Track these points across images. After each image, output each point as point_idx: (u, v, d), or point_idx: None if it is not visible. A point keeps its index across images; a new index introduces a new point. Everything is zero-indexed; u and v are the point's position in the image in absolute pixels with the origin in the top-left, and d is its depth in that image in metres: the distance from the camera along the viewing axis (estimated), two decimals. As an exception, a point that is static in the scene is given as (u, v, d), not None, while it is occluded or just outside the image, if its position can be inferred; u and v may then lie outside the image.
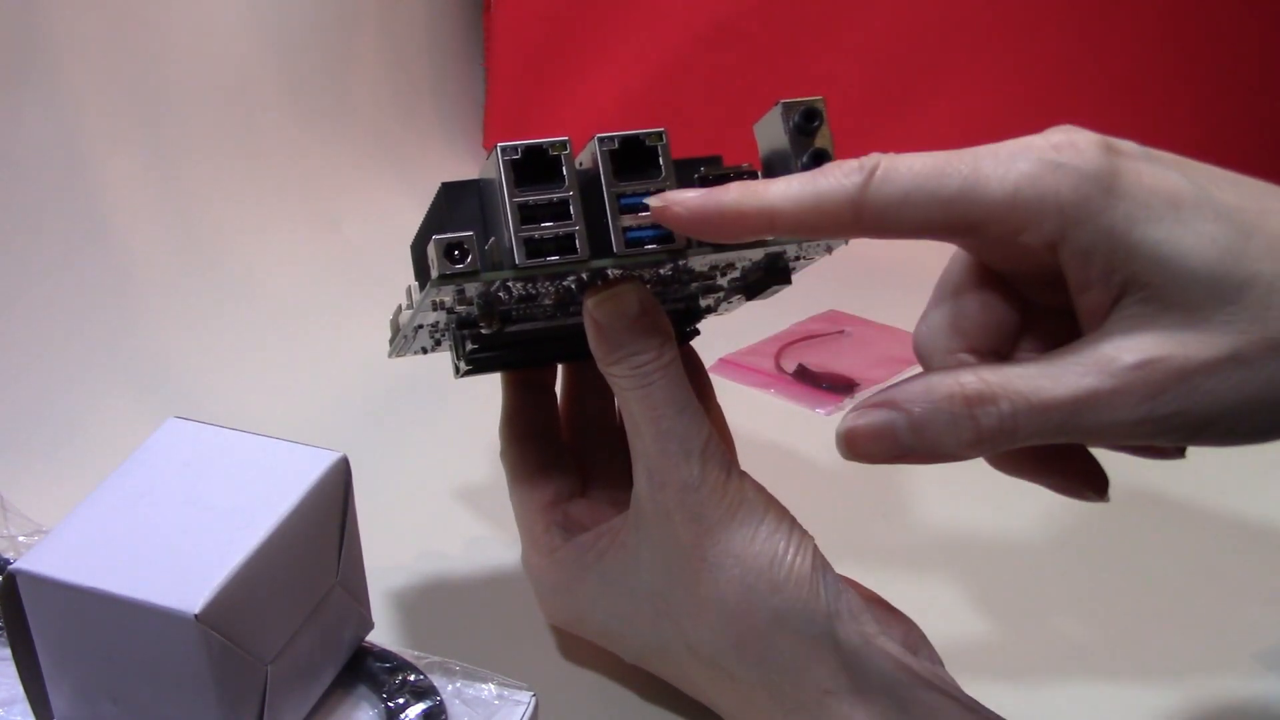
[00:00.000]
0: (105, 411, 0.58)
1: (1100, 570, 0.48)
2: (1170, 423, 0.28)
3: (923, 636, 0.37)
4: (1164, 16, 0.82)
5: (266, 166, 0.80)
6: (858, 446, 0.30)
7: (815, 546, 0.34)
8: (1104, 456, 0.33)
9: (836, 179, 0.29)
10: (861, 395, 0.63)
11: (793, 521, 0.34)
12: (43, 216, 0.62)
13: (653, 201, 0.31)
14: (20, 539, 0.43)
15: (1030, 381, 0.28)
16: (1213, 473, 0.52)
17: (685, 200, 0.31)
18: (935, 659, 0.36)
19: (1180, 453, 0.31)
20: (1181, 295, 0.27)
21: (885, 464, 0.30)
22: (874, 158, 0.29)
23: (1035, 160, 0.28)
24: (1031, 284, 0.32)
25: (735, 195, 0.30)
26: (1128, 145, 0.29)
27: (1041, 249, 0.29)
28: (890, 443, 0.30)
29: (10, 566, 0.31)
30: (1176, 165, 0.29)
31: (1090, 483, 0.33)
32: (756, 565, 0.33)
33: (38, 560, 0.31)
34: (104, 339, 0.62)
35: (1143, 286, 0.28)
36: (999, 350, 0.33)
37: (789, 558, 0.33)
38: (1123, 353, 0.28)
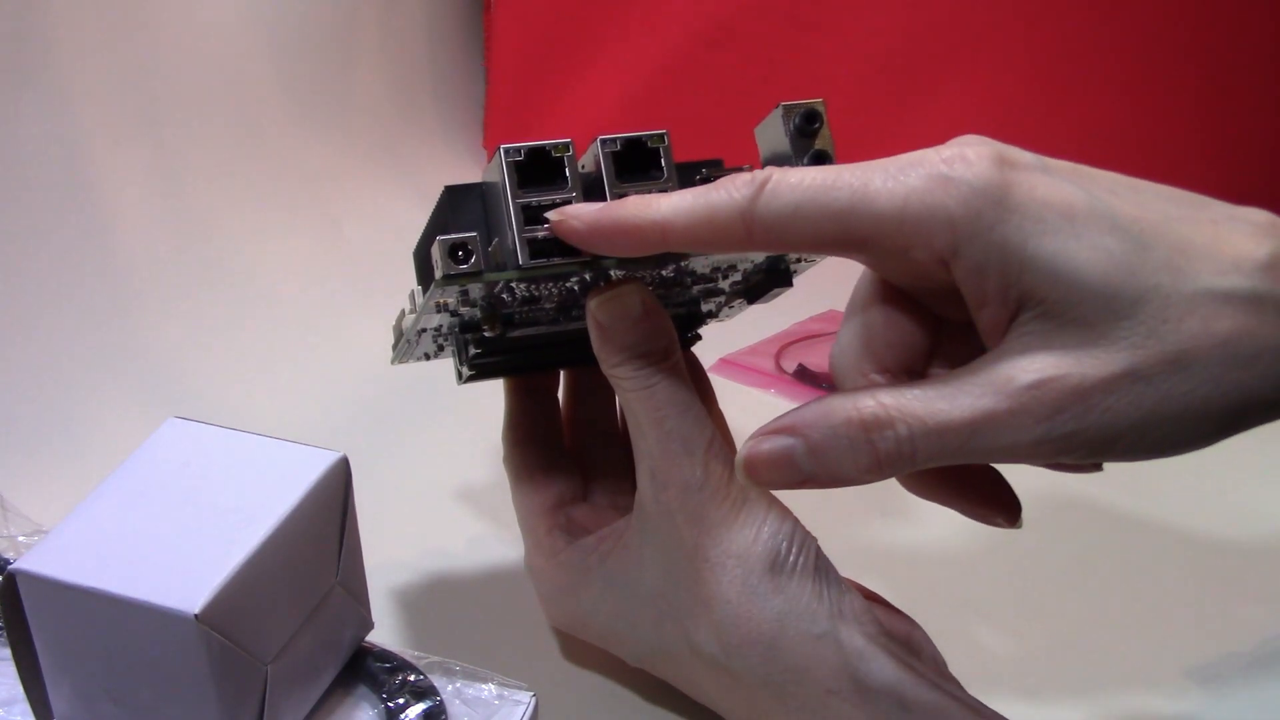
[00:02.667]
0: (105, 411, 0.58)
1: (1102, 570, 0.48)
2: (1070, 441, 0.27)
3: (925, 637, 0.37)
4: (1164, 14, 0.82)
5: (266, 166, 0.80)
6: (757, 473, 0.30)
7: (818, 547, 0.34)
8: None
9: (728, 192, 0.29)
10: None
11: (795, 522, 0.34)
12: (43, 217, 0.62)
13: (551, 215, 0.31)
14: (20, 539, 0.43)
15: (927, 404, 0.28)
16: (1215, 470, 0.52)
17: (581, 214, 0.31)
18: (938, 660, 0.37)
19: (1096, 466, 0.31)
20: (1077, 311, 0.27)
21: (785, 489, 0.30)
22: (767, 171, 0.29)
23: (925, 175, 0.28)
24: (937, 299, 0.32)
25: (630, 210, 0.30)
26: (1023, 157, 0.29)
27: (933, 264, 0.28)
28: (789, 469, 0.29)
29: (10, 566, 0.31)
30: (1073, 175, 0.29)
31: (1000, 509, 0.33)
32: (759, 565, 0.33)
33: (38, 560, 0.31)
34: (104, 339, 0.62)
35: (1039, 302, 0.27)
36: (912, 368, 0.33)
37: (791, 558, 0.33)
38: (1019, 372, 0.27)
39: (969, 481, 0.33)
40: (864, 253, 0.30)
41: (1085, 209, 0.27)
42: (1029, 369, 0.27)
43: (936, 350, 0.33)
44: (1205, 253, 0.27)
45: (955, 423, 0.28)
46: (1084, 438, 0.27)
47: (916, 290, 0.32)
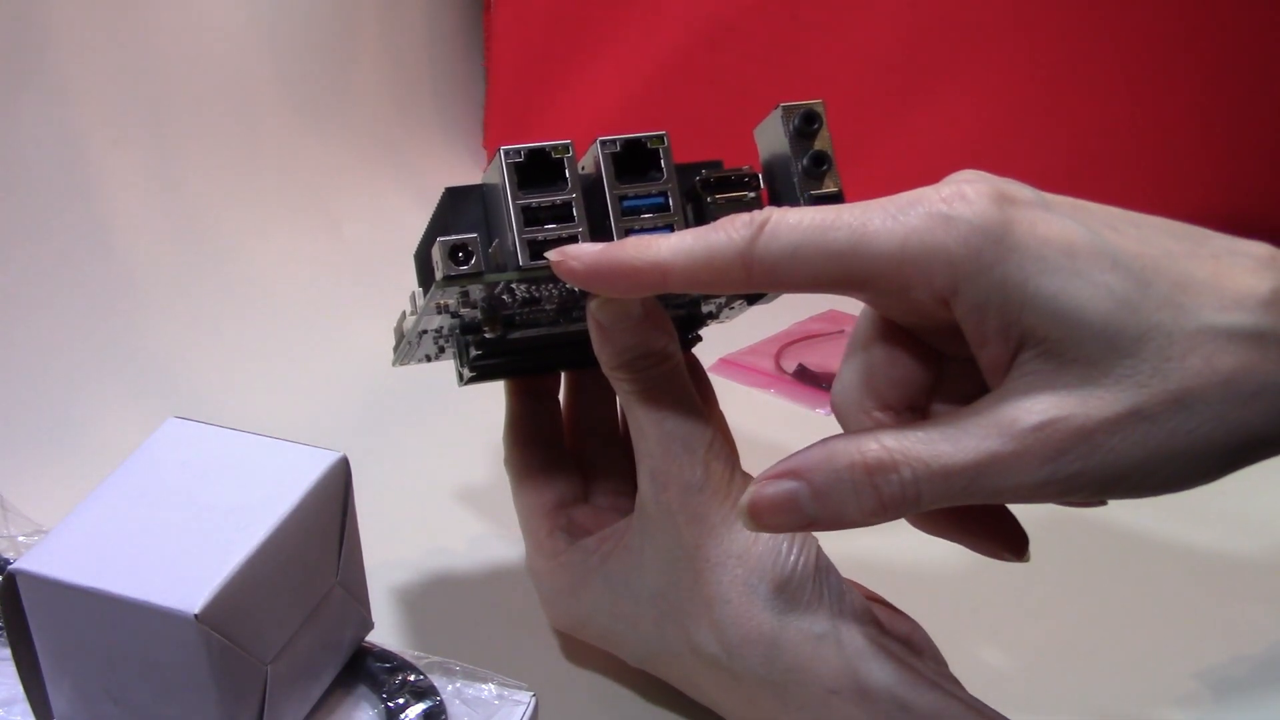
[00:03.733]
0: (105, 411, 0.58)
1: (1103, 571, 0.48)
2: (1075, 482, 0.27)
3: (926, 637, 0.37)
4: (1164, 16, 0.82)
5: (266, 166, 0.80)
6: (761, 517, 0.30)
7: (818, 547, 0.34)
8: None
9: (727, 234, 0.29)
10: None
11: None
12: (43, 217, 0.62)
13: (551, 255, 0.31)
14: (20, 539, 0.43)
15: (931, 446, 0.28)
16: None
17: (581, 255, 0.31)
18: (939, 660, 0.37)
19: (1100, 502, 0.31)
20: (1079, 350, 0.27)
21: (790, 533, 0.30)
22: (766, 212, 0.29)
23: (924, 213, 0.27)
24: (937, 336, 0.32)
25: (630, 252, 0.30)
26: (1023, 193, 0.28)
27: (934, 303, 0.28)
28: (794, 514, 0.29)
29: (10, 566, 0.31)
30: (1073, 212, 0.28)
31: (1007, 543, 0.33)
32: (760, 566, 0.33)
33: (38, 560, 0.31)
34: (104, 339, 0.62)
35: (1040, 341, 0.27)
36: (914, 404, 0.32)
37: (792, 558, 0.33)
38: (1023, 414, 0.27)
39: (974, 517, 0.33)
40: (864, 292, 0.30)
41: (1086, 246, 0.27)
42: (1033, 410, 0.27)
43: (938, 386, 0.33)
44: (1207, 288, 0.27)
45: (960, 465, 0.27)
46: (1089, 477, 0.27)
47: (917, 327, 0.32)
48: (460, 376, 0.41)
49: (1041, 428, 0.27)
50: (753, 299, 0.40)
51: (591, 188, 0.33)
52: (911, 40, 0.86)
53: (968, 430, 0.28)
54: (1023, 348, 0.28)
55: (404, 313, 0.38)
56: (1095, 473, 0.27)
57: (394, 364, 0.42)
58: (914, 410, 0.32)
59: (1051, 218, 0.28)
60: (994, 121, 0.87)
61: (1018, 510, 0.33)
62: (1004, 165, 0.92)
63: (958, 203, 0.27)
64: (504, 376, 0.42)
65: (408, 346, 0.39)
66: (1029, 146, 0.86)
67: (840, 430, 0.33)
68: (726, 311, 0.42)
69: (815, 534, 0.35)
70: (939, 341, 0.32)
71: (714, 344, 0.51)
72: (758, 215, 0.29)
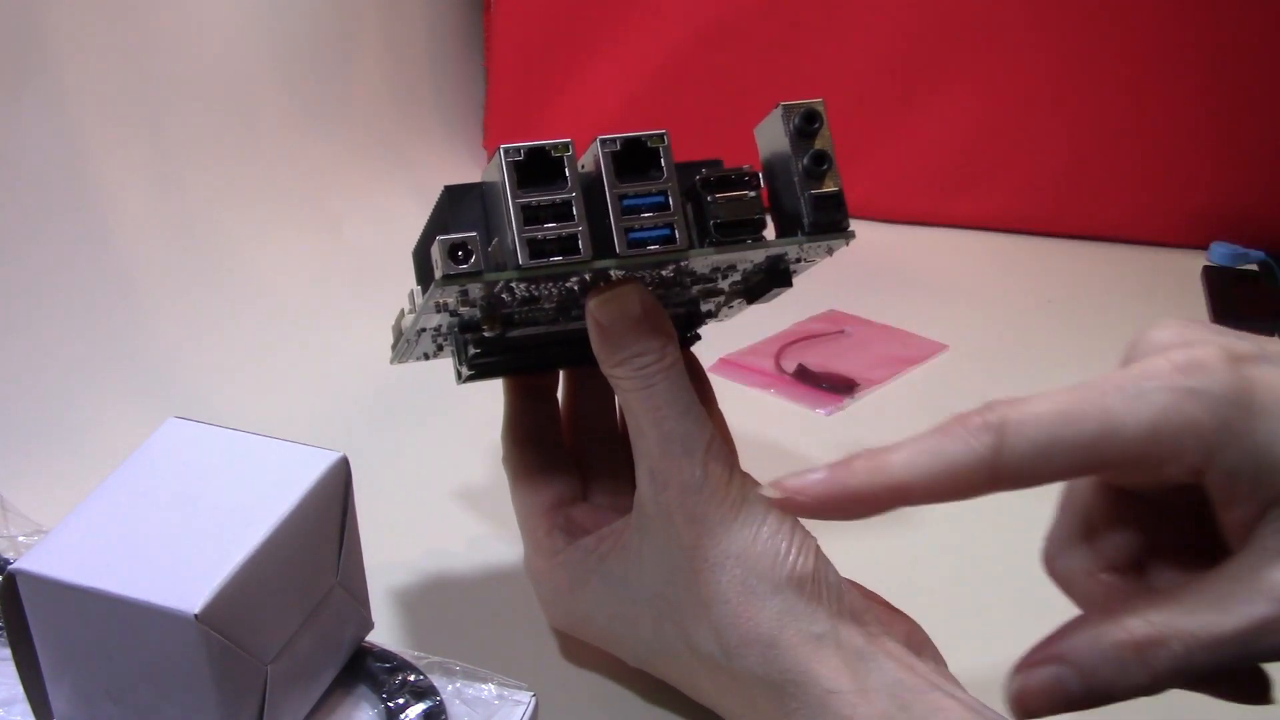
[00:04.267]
0: (105, 411, 0.58)
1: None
2: None
3: (925, 637, 0.37)
4: (1165, 14, 0.82)
5: (266, 166, 0.80)
6: (1030, 706, 0.30)
7: (817, 547, 0.34)
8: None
9: (965, 443, 0.28)
10: (862, 395, 0.63)
11: (795, 522, 0.34)
12: (43, 217, 0.62)
13: (770, 493, 0.30)
14: (20, 539, 0.43)
15: (1198, 618, 0.28)
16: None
17: (807, 489, 0.30)
18: (938, 659, 0.37)
19: None
20: None
21: (1059, 715, 0.30)
22: (998, 413, 0.28)
23: (1166, 389, 0.27)
24: (1163, 496, 0.32)
25: (862, 478, 0.29)
26: (1248, 348, 0.28)
27: (1185, 476, 0.28)
28: (1063, 698, 0.29)
29: (10, 566, 0.31)
30: None
31: (1255, 690, 0.32)
32: (759, 566, 0.33)
33: (38, 560, 0.31)
34: (104, 339, 0.62)
35: None
36: (1135, 562, 0.32)
37: (791, 558, 0.33)
38: None
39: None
40: (1110, 473, 0.30)
41: None
42: None
43: (1158, 539, 0.33)
44: None
45: (1230, 634, 0.27)
46: None
47: (1145, 491, 0.32)
48: (459, 374, 0.41)
49: None
50: (753, 298, 0.40)
51: (591, 186, 0.33)
52: (911, 40, 0.86)
53: (1234, 598, 0.28)
54: (1273, 505, 0.28)
55: (402, 311, 0.38)
56: None
57: (392, 362, 0.42)
58: (1136, 568, 0.32)
59: None
60: (994, 122, 0.87)
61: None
62: (1004, 165, 0.93)
63: (1197, 373, 0.27)
64: (502, 375, 0.42)
65: (406, 344, 0.39)
66: (1029, 146, 0.86)
67: (1058, 587, 0.33)
68: (725, 311, 0.42)
69: (814, 533, 0.35)
70: (1164, 497, 0.32)
71: (714, 344, 0.51)
72: (991, 418, 0.28)
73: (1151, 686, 0.28)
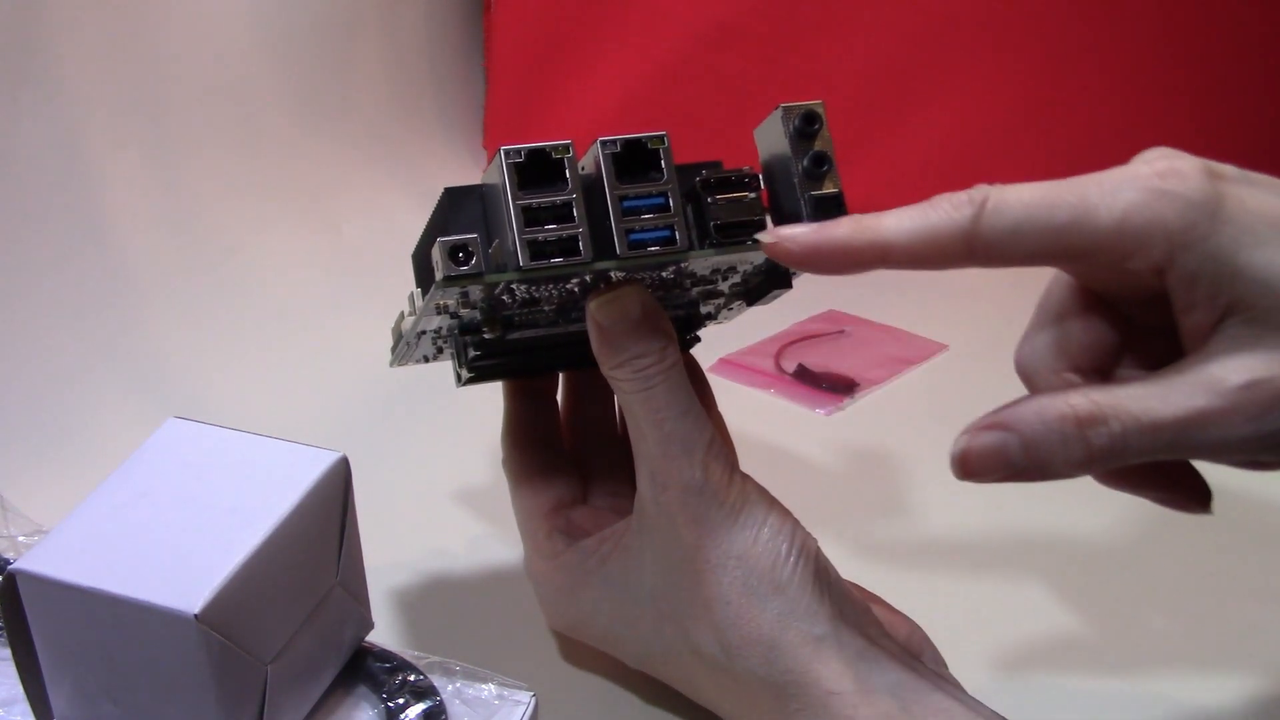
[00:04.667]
0: (105, 411, 0.58)
1: (1099, 570, 0.48)
2: (1275, 439, 0.29)
3: (925, 638, 0.37)
4: (1163, 16, 0.82)
5: (266, 166, 0.80)
6: (970, 466, 0.31)
7: (818, 548, 0.34)
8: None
9: (947, 212, 0.30)
10: (862, 395, 0.63)
11: (795, 523, 0.35)
12: (43, 216, 0.62)
13: (763, 237, 0.32)
14: (20, 539, 0.43)
15: (1140, 402, 0.29)
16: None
17: (796, 236, 0.32)
18: (938, 660, 0.37)
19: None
20: None
21: (994, 482, 0.31)
22: (982, 190, 0.30)
23: (1142, 189, 0.29)
24: (1132, 303, 0.33)
25: (847, 231, 0.31)
26: (1229, 169, 0.30)
27: (1148, 274, 0.29)
28: (1002, 462, 0.30)
29: (10, 566, 0.31)
30: (1275, 187, 0.30)
31: (1193, 496, 0.34)
32: (759, 567, 0.33)
33: (38, 560, 0.31)
34: (104, 339, 0.62)
35: (1248, 308, 0.29)
36: (1101, 368, 0.34)
37: (791, 559, 0.33)
38: (1230, 373, 0.28)
39: (1163, 472, 0.34)
40: (1079, 264, 0.32)
41: None
42: (1240, 370, 0.28)
43: (1124, 351, 0.34)
44: None
45: (1167, 420, 0.29)
46: None
47: (1114, 295, 0.33)
48: (458, 377, 0.41)
49: (1249, 387, 0.28)
50: (752, 300, 0.40)
51: (591, 188, 0.33)
52: (911, 40, 0.86)
53: (1175, 388, 0.29)
54: (1229, 314, 0.29)
55: (402, 313, 0.38)
56: None
57: (391, 364, 0.42)
58: (1101, 373, 0.34)
59: (1259, 193, 0.29)
60: (994, 121, 0.87)
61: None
62: (1004, 165, 0.93)
63: (1173, 179, 0.29)
64: (502, 377, 0.42)
65: (406, 347, 0.39)
66: (1029, 146, 0.86)
67: (1026, 390, 0.34)
68: (725, 313, 0.42)
69: (815, 535, 0.35)
70: (1131, 308, 0.33)
71: (714, 344, 0.51)
72: (975, 194, 0.30)
73: (1088, 462, 0.30)
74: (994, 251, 0.30)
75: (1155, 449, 0.29)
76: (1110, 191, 0.29)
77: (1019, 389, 0.34)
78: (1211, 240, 0.28)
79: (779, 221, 0.35)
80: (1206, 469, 0.34)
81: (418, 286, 0.37)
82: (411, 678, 0.37)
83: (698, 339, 0.43)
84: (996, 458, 0.30)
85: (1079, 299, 0.34)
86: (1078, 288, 0.34)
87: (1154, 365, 0.32)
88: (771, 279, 0.38)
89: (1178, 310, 0.30)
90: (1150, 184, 0.29)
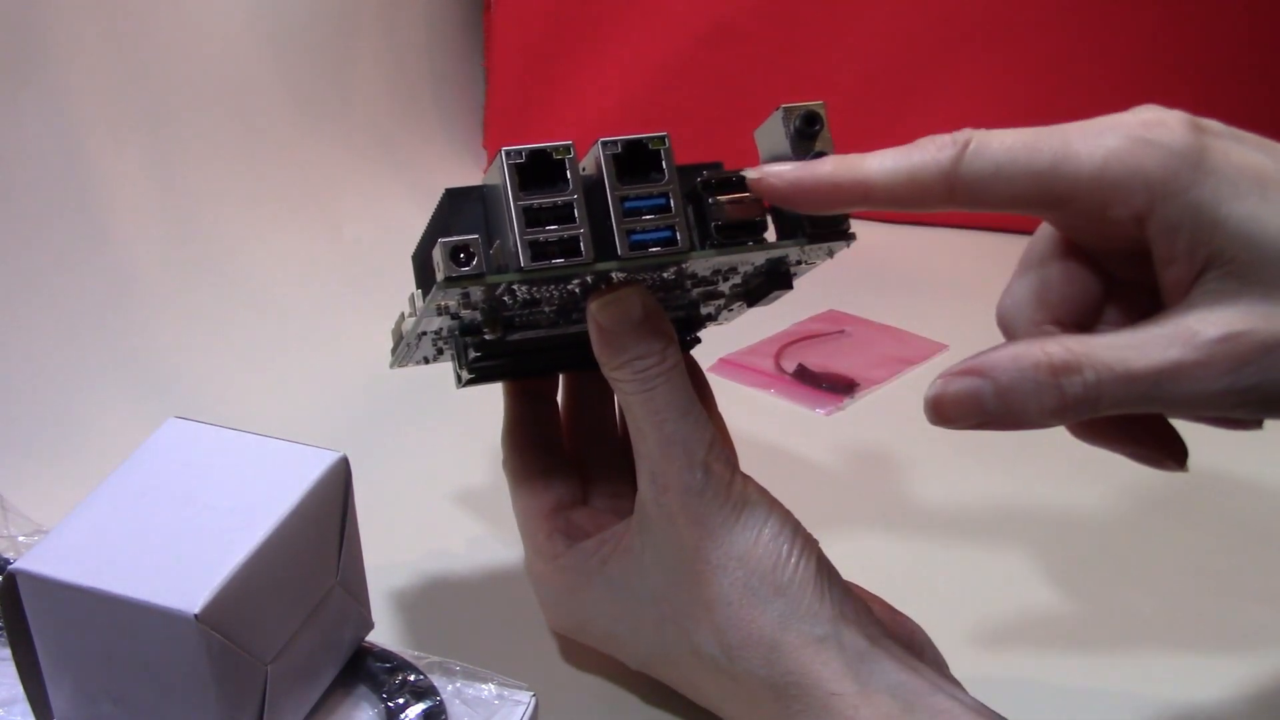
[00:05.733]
0: (105, 411, 0.58)
1: (1101, 572, 0.48)
2: (1251, 395, 0.28)
3: (926, 638, 0.37)
4: (1163, 17, 0.82)
5: (266, 166, 0.80)
6: (944, 411, 0.31)
7: (819, 549, 0.34)
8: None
9: (930, 153, 0.30)
10: (862, 395, 0.63)
11: (796, 524, 0.35)
12: (43, 217, 0.62)
13: (749, 173, 0.32)
14: (20, 539, 0.43)
15: (1115, 352, 0.29)
16: (1216, 467, 0.52)
17: (781, 172, 0.32)
18: (939, 660, 0.37)
19: (1258, 424, 0.32)
20: (1264, 271, 0.28)
21: (967, 429, 0.31)
22: (966, 133, 0.30)
23: (1124, 136, 0.29)
24: (1114, 258, 0.33)
25: (831, 167, 0.31)
26: (1214, 124, 0.30)
27: (1128, 223, 0.29)
28: (975, 408, 0.30)
29: (10, 566, 0.31)
30: (1261, 146, 0.30)
31: (1170, 453, 0.34)
32: (760, 568, 0.33)
33: (38, 560, 0.31)
34: (104, 339, 0.62)
35: (1227, 261, 0.28)
36: (1081, 322, 0.34)
37: (793, 560, 0.33)
38: (1206, 326, 0.28)
39: (1140, 426, 0.34)
40: (1058, 211, 0.31)
41: (1276, 177, 0.29)
42: (1217, 323, 0.28)
43: (1106, 305, 0.34)
44: None
45: (1142, 371, 0.29)
46: (1265, 391, 0.28)
47: (1096, 248, 0.33)
48: (458, 378, 0.41)
49: (1225, 340, 0.28)
50: (753, 301, 0.40)
51: (592, 189, 0.33)
52: (911, 40, 0.87)
53: (1151, 339, 0.29)
54: (1208, 268, 0.29)
55: (402, 314, 0.38)
56: (1271, 387, 0.28)
57: (392, 366, 0.42)
58: (1080, 327, 0.34)
59: (1243, 149, 0.29)
60: (994, 122, 0.86)
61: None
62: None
63: (1157, 128, 0.29)
64: (502, 378, 0.42)
65: (406, 348, 0.39)
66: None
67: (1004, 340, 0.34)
68: (725, 314, 0.42)
69: (816, 536, 0.35)
70: (1113, 263, 0.33)
71: (714, 344, 0.51)
72: (959, 135, 0.30)
73: (1061, 411, 0.29)
74: (974, 193, 0.30)
75: (1130, 400, 0.29)
76: (1093, 137, 0.29)
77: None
78: (1193, 191, 0.28)
79: (780, 222, 0.35)
80: (1193, 454, 0.33)
81: (418, 288, 0.37)
82: (411, 678, 0.37)
83: (698, 340, 0.43)
84: (970, 403, 0.30)
85: (1061, 249, 0.34)
86: (1061, 240, 0.34)
87: (1135, 322, 0.32)
88: (772, 280, 0.38)
89: (1158, 262, 0.30)
90: (1134, 132, 0.29)
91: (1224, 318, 0.28)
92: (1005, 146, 0.30)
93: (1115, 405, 0.29)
